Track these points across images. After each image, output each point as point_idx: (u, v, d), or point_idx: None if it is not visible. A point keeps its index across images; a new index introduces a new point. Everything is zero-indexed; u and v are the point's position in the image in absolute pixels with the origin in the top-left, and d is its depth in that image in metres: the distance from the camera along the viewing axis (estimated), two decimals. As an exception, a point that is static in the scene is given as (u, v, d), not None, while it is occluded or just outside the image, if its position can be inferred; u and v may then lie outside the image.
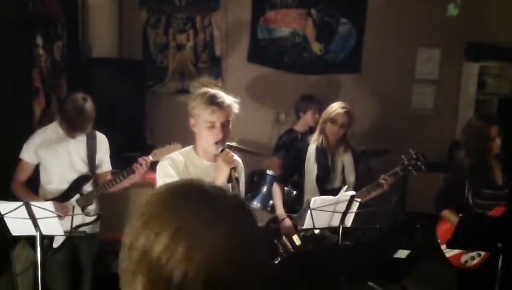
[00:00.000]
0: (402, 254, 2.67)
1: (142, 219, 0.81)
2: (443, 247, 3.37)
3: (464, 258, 3.35)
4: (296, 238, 3.50)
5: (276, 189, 3.70)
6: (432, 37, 5.72)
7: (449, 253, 3.36)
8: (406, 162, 3.30)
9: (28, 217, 2.72)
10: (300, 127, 4.80)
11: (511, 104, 5.40)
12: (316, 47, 5.80)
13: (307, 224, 3.13)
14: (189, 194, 0.84)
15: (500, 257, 2.95)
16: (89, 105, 3.14)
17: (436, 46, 5.80)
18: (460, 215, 3.27)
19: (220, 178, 2.34)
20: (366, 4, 5.71)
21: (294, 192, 3.96)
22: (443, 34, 5.64)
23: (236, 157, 2.48)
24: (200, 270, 0.76)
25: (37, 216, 2.74)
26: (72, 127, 3.13)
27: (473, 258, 3.33)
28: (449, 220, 3.39)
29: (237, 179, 2.35)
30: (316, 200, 3.10)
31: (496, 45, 5.52)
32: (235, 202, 0.86)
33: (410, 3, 5.65)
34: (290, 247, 3.54)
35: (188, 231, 0.78)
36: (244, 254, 0.80)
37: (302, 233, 3.44)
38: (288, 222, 3.54)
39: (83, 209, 3.19)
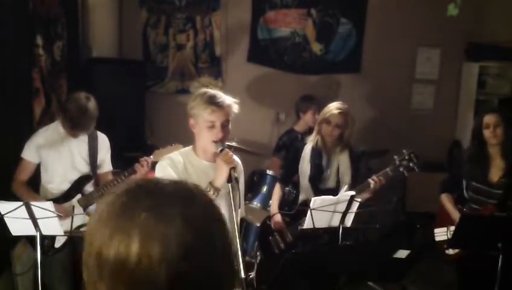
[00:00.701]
0: (402, 254, 2.67)
1: (106, 233, 0.81)
2: (436, 230, 3.40)
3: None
4: (287, 235, 3.52)
5: (277, 188, 3.74)
6: (432, 37, 5.72)
7: (438, 237, 3.38)
8: (397, 163, 3.27)
9: (28, 217, 2.72)
10: (300, 127, 4.80)
11: (511, 104, 5.41)
12: (316, 47, 5.80)
13: (307, 224, 3.13)
14: (139, 195, 0.85)
15: (500, 257, 2.94)
16: (92, 104, 3.14)
17: (436, 46, 5.81)
18: (459, 206, 3.32)
19: (219, 178, 2.34)
20: (366, 4, 5.71)
21: (295, 192, 3.96)
22: (443, 34, 5.64)
23: (235, 158, 2.48)
24: (179, 261, 0.78)
25: (37, 216, 2.74)
26: (74, 127, 3.12)
27: None
28: (444, 204, 3.42)
29: (237, 179, 2.35)
30: (316, 200, 3.10)
31: (496, 45, 5.53)
32: (186, 192, 0.87)
33: (410, 3, 5.65)
34: (281, 243, 3.56)
35: (151, 230, 0.79)
36: (204, 241, 0.82)
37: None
38: (277, 218, 3.55)
39: (85, 209, 3.19)
